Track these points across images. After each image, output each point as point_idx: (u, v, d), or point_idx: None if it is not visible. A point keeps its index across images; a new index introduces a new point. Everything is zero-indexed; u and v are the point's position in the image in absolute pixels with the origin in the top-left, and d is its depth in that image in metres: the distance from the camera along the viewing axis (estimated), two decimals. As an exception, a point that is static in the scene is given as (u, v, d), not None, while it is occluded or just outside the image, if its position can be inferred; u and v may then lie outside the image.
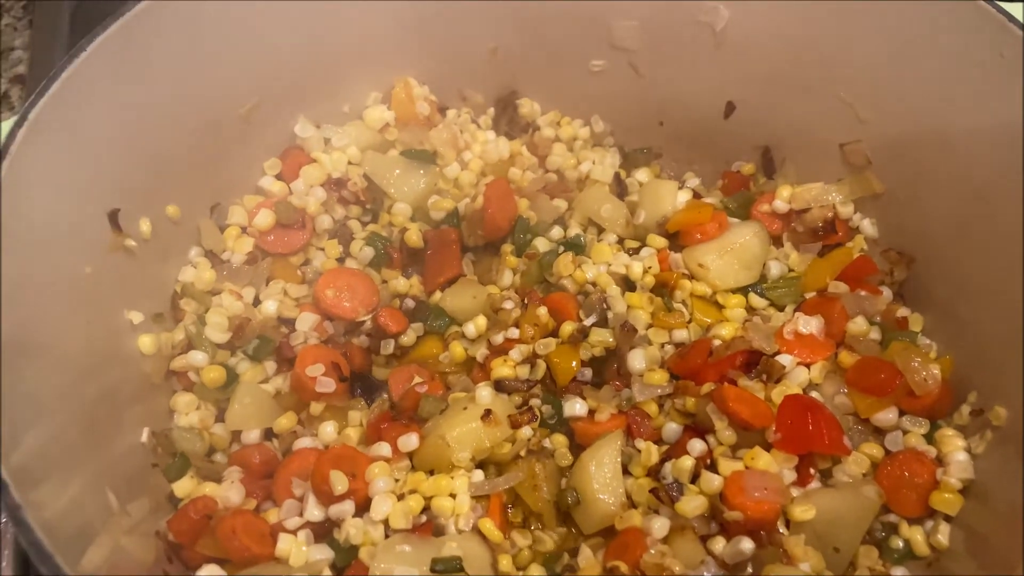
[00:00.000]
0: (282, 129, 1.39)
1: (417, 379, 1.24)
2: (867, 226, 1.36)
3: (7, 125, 0.98)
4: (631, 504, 1.12)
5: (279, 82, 1.33)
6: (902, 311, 1.27)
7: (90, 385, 1.02)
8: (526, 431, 1.17)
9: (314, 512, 1.07)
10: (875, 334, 1.23)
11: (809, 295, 1.31)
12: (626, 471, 1.15)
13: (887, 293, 1.29)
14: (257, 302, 1.29)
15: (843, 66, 1.30)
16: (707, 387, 1.15)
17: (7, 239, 0.89)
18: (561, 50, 1.48)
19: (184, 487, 1.11)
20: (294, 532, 1.06)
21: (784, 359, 1.19)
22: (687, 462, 1.09)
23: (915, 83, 1.23)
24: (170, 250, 1.23)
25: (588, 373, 1.25)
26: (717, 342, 1.22)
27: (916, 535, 1.10)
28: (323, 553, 1.04)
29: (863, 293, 1.27)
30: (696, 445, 1.11)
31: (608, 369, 1.25)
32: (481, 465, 1.16)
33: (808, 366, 1.20)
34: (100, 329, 1.06)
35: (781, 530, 1.07)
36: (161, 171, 1.17)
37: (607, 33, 1.44)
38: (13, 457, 0.80)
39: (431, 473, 1.13)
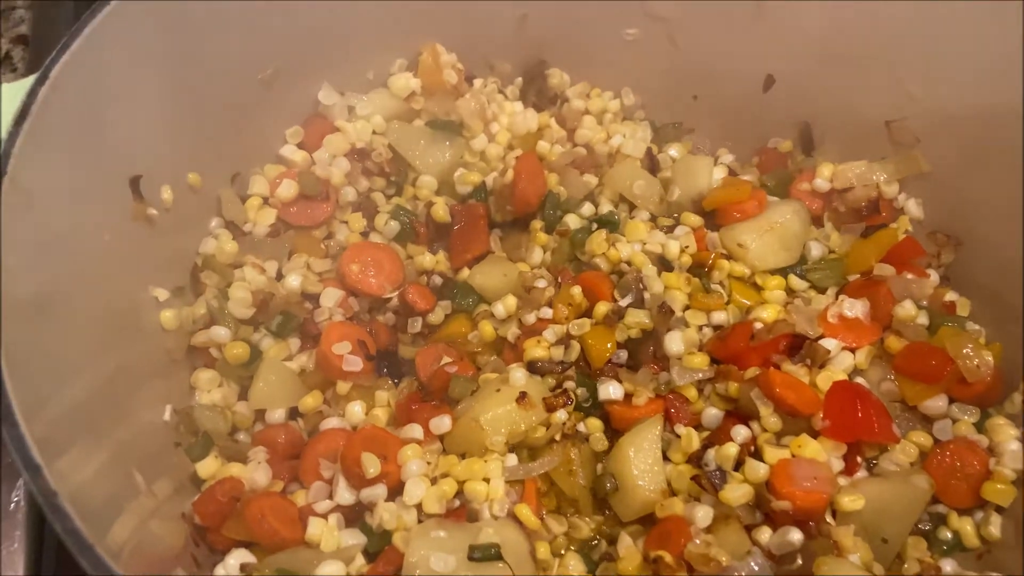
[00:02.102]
0: (304, 96, 1.34)
1: (446, 359, 1.20)
2: (912, 207, 1.32)
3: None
4: (671, 491, 1.08)
5: (301, 46, 1.27)
6: (950, 295, 1.23)
7: (111, 356, 0.97)
8: (561, 415, 1.13)
9: (345, 495, 1.03)
10: (923, 318, 1.19)
11: (852, 277, 1.26)
12: (664, 457, 1.11)
13: (934, 276, 1.25)
14: (279, 276, 1.24)
15: (894, 40, 1.24)
16: (751, 372, 1.11)
17: (29, 200, 0.83)
18: (594, 18, 1.42)
19: (208, 467, 1.07)
20: (324, 516, 1.02)
21: (828, 343, 1.15)
22: (731, 449, 1.05)
23: (970, 59, 1.18)
24: (190, 220, 1.18)
25: (623, 355, 1.20)
26: (758, 325, 1.17)
27: (966, 526, 1.06)
28: (356, 538, 1.00)
29: (910, 276, 1.22)
30: (740, 431, 1.07)
31: (643, 351, 1.20)
32: (513, 449, 1.12)
33: (853, 351, 1.16)
34: (120, 300, 1.01)
35: (828, 520, 1.04)
36: (181, 137, 1.12)
37: (643, 1, 1.38)
38: (37, 427, 0.74)
39: (462, 456, 1.09)
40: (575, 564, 1.05)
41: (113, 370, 0.97)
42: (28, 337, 0.78)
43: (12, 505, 1.10)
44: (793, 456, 1.04)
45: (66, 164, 0.90)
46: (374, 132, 1.36)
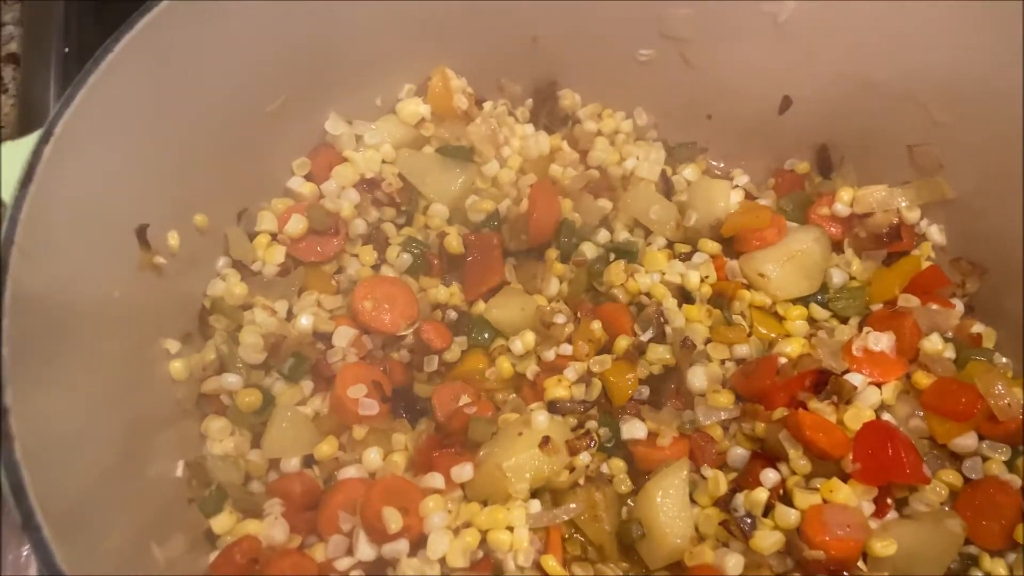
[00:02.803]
0: (311, 126, 1.29)
1: (464, 398, 1.17)
2: (934, 232, 1.29)
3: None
4: (699, 536, 1.06)
5: (308, 75, 1.22)
6: (976, 327, 1.21)
7: (121, 412, 0.93)
8: (584, 457, 1.10)
9: (366, 551, 1.00)
10: (949, 352, 1.17)
11: (875, 307, 1.24)
12: (691, 499, 1.09)
13: (959, 306, 1.23)
14: (289, 316, 1.20)
15: (919, 65, 1.21)
16: (779, 412, 1.09)
17: (36, 261, 0.79)
18: (606, 39, 1.37)
19: (223, 523, 1.03)
20: (345, 574, 0.99)
21: (855, 378, 1.13)
22: (761, 495, 1.03)
23: (993, 84, 1.15)
24: (197, 263, 1.14)
25: (645, 392, 1.18)
26: (783, 360, 1.15)
27: (999, 569, 1.05)
28: (379, 597, 0.98)
29: (935, 307, 1.20)
30: (770, 476, 1.05)
31: (666, 387, 1.18)
32: (536, 494, 1.09)
33: (879, 386, 1.14)
34: (129, 353, 0.97)
35: (860, 565, 1.02)
36: (187, 178, 1.07)
37: (658, 21, 1.34)
38: (53, 514, 0.71)
39: (484, 503, 1.06)
40: (603, 614, 1.03)
41: (124, 429, 0.93)
42: (39, 405, 0.74)
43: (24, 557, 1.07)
44: (825, 502, 1.02)
45: (72, 222, 0.85)
46: (383, 161, 1.32)
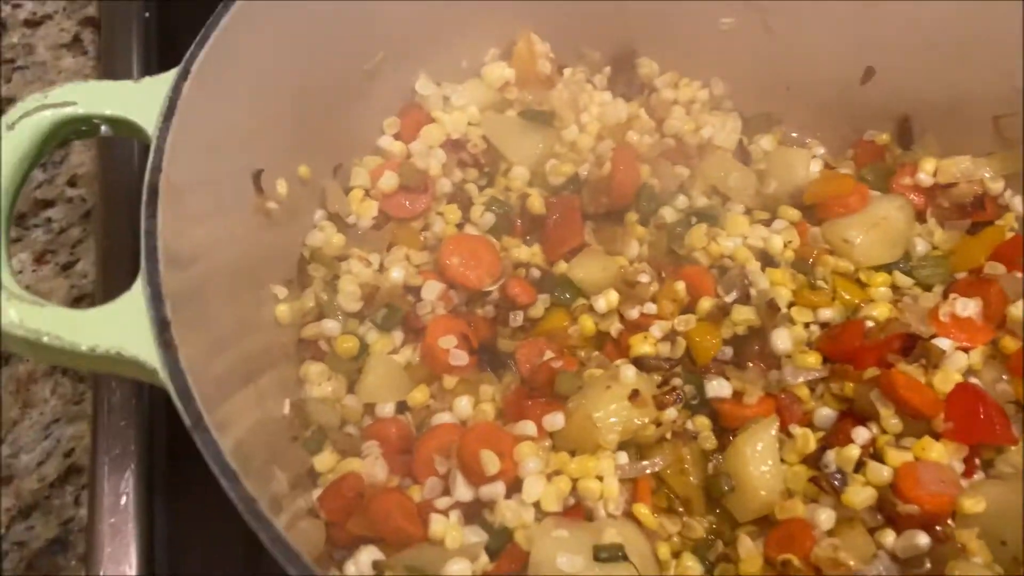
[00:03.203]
0: (401, 86, 1.32)
1: (549, 354, 1.19)
2: (1018, 203, 1.29)
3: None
4: (787, 492, 1.08)
5: (403, 34, 1.25)
6: (1060, 297, 1.21)
7: (240, 349, 0.97)
8: (671, 412, 1.12)
9: (464, 492, 1.02)
10: (1037, 319, 1.17)
11: (959, 275, 1.24)
12: (778, 456, 1.11)
13: (1044, 276, 1.23)
14: (381, 269, 1.23)
15: (1004, 33, 1.21)
16: (870, 372, 1.10)
17: (179, 195, 0.83)
18: (690, 6, 1.39)
19: (325, 462, 1.06)
20: (445, 512, 1.01)
21: (942, 343, 1.13)
22: (854, 451, 1.04)
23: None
24: (298, 213, 1.17)
25: (729, 352, 1.19)
26: (870, 324, 1.16)
27: (1085, 531, 1.05)
28: (478, 536, 1.00)
29: (1019, 275, 1.20)
30: (861, 433, 1.06)
31: (749, 348, 1.19)
32: (622, 447, 1.11)
33: (967, 351, 1.14)
34: (245, 294, 1.01)
35: (949, 522, 1.03)
36: (295, 130, 1.10)
37: (743, -11, 1.35)
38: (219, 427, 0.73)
39: (572, 454, 1.08)
40: (692, 565, 1.04)
41: (240, 364, 0.96)
42: (184, 333, 0.77)
43: (124, 499, 1.10)
44: (917, 459, 1.03)
45: (205, 160, 0.89)
46: (469, 123, 1.34)
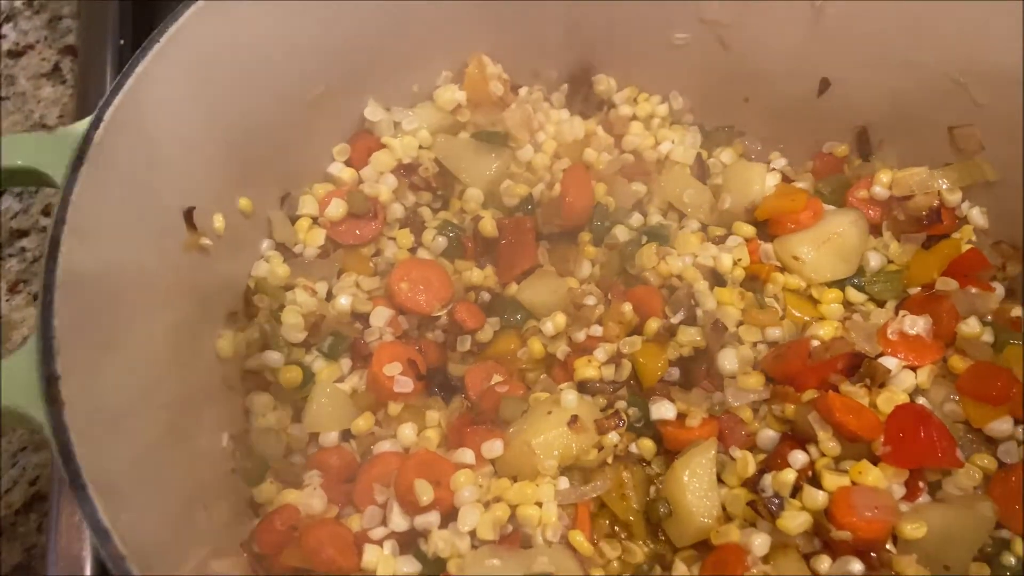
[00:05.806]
0: (351, 112, 1.33)
1: (496, 378, 1.20)
2: (976, 215, 1.27)
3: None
4: (726, 516, 1.07)
5: (347, 63, 1.26)
6: (1016, 310, 1.19)
7: (170, 388, 0.98)
8: (613, 436, 1.12)
9: (399, 522, 1.03)
10: (987, 336, 1.15)
11: (913, 290, 1.23)
12: (718, 479, 1.10)
13: (999, 290, 1.20)
14: (329, 296, 1.25)
15: (962, 46, 1.19)
16: (809, 394, 1.09)
17: (86, 241, 0.85)
18: (643, 23, 1.38)
19: (265, 493, 1.08)
20: (379, 543, 1.03)
21: (889, 362, 1.12)
22: (789, 475, 1.03)
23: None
24: (242, 245, 1.19)
25: (676, 373, 1.19)
26: (815, 343, 1.15)
27: (1032, 554, 1.03)
28: (411, 566, 1.01)
29: (974, 290, 1.18)
30: (798, 457, 1.05)
31: (696, 369, 1.19)
32: (565, 471, 1.11)
33: (914, 369, 1.13)
34: (177, 332, 1.02)
35: (889, 547, 1.02)
36: (232, 164, 1.12)
37: (695, 6, 1.34)
38: (100, 481, 0.76)
39: (514, 479, 1.09)
40: (629, 590, 1.05)
41: (172, 402, 0.98)
42: (91, 381, 0.79)
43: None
44: (854, 483, 1.02)
45: (121, 203, 0.90)
46: (420, 147, 1.35)
